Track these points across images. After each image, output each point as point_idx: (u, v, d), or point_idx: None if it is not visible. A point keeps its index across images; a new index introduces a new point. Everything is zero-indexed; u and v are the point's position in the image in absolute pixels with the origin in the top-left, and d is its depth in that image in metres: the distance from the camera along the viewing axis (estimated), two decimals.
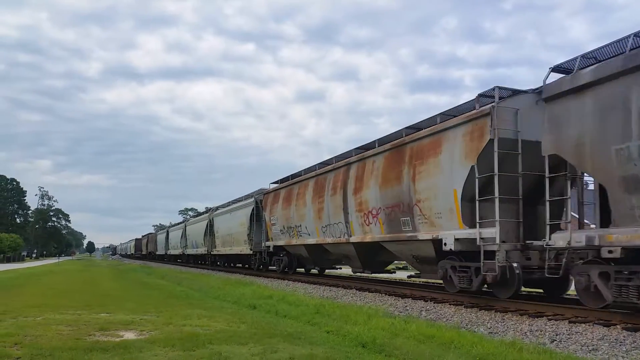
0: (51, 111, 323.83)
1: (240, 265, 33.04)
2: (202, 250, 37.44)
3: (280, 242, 21.94)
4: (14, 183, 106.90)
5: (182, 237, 46.40)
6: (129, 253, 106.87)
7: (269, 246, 23.38)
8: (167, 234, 56.82)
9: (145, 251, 76.94)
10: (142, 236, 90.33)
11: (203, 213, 40.71)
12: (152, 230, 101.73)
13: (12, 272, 32.40)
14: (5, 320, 9.28)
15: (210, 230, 34.72)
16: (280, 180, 22.98)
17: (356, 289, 15.62)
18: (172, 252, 52.94)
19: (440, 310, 10.94)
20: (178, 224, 57.11)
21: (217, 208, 34.96)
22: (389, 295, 13.84)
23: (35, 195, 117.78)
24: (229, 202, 32.40)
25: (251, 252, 25.74)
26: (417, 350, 6.79)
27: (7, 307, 11.20)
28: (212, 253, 34.57)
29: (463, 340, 7.31)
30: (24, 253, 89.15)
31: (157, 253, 63.66)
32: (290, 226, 20.54)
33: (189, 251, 43.23)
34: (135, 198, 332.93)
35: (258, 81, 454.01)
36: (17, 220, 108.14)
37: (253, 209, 25.43)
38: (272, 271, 24.77)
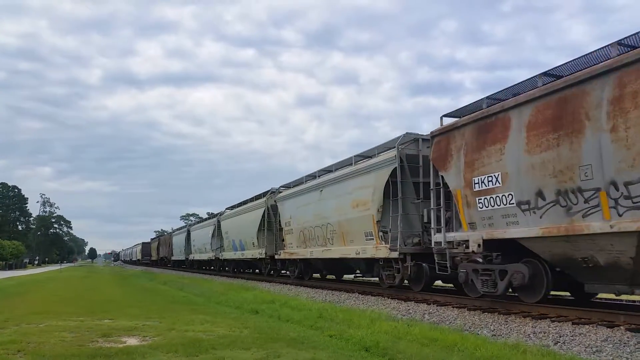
0: (52, 118, 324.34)
1: (349, 276, 21.53)
2: (254, 253, 25.82)
3: (523, 232, 9.57)
4: (16, 190, 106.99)
5: (213, 236, 35.15)
6: (134, 259, 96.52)
7: (463, 242, 11.16)
8: (189, 234, 45.29)
9: (156, 256, 66.64)
10: (152, 239, 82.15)
11: (256, 198, 27.09)
12: (153, 236, 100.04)
13: (14, 279, 32.38)
14: (8, 327, 9.28)
15: (267, 223, 24.30)
16: (491, 97, 10.90)
17: (359, 293, 15.58)
18: (197, 256, 41.30)
19: (443, 313, 10.92)
20: (203, 220, 45.76)
21: (279, 189, 23.82)
22: (391, 298, 13.82)
23: (37, 202, 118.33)
24: (308, 175, 20.42)
25: (396, 256, 13.65)
26: (421, 354, 6.78)
27: (10, 314, 11.20)
28: (276, 257, 23.21)
29: (466, 343, 7.30)
30: (26, 260, 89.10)
31: (174, 258, 52.53)
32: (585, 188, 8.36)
33: (228, 255, 31.74)
34: (136, 204, 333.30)
35: (258, 86, 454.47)
36: (19, 227, 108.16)
37: (394, 171, 13.77)
38: (472, 298, 11.95)
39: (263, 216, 24.68)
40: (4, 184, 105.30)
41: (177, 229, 59.30)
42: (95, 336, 8.22)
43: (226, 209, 33.78)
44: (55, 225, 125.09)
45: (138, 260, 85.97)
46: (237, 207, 30.89)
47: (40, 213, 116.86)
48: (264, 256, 24.52)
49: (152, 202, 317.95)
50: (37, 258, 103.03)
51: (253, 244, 25.86)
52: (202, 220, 44.98)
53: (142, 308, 12.98)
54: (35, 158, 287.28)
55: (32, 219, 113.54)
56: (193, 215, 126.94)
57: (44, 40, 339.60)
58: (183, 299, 16.26)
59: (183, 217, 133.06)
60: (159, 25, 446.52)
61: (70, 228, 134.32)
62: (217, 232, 34.20)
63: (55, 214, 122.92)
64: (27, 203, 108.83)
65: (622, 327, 8.04)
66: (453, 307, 11.50)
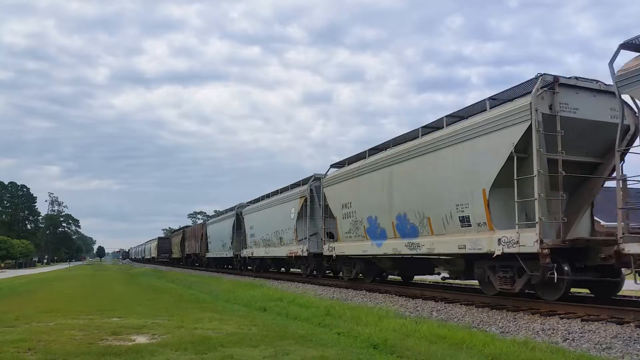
0: (59, 117, 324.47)
1: None
2: (454, 242, 11.24)
3: None
4: (25, 189, 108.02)
5: (300, 218, 21.23)
6: (147, 257, 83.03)
7: None
8: (238, 220, 31.20)
9: (179, 253, 53.45)
10: (174, 232, 71.42)
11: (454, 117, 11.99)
12: (161, 234, 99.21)
13: (24, 278, 32.66)
14: (19, 325, 9.36)
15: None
16: None
17: (366, 290, 15.58)
18: (259, 252, 26.96)
19: (451, 311, 10.90)
20: (264, 197, 27.18)
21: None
22: (399, 295, 13.81)
23: (45, 201, 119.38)
24: None
25: None
26: (429, 351, 6.77)
27: (20, 313, 11.29)
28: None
29: (475, 340, 7.28)
30: (35, 259, 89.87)
31: (210, 255, 38.95)
32: None
33: (347, 248, 16.87)
34: (144, 202, 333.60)
35: (264, 84, 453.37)
36: (28, 226, 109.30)
37: None
38: None
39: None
40: (13, 184, 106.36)
41: (216, 215, 43.56)
42: (104, 334, 8.27)
43: (331, 166, 18.85)
44: (64, 224, 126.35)
45: (153, 258, 72.98)
46: (372, 155, 15.62)
47: (49, 212, 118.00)
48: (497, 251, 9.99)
49: (159, 201, 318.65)
50: (46, 257, 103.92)
51: (454, 221, 11.40)
52: (261, 198, 27.60)
53: (150, 306, 13.05)
54: (43, 157, 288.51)
55: (40, 217, 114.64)
56: (200, 213, 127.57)
57: (51, 39, 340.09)
58: (191, 297, 16.33)
59: (190, 215, 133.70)
60: (165, 23, 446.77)
61: (79, 227, 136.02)
62: (310, 211, 20.61)
63: (63, 213, 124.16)
64: (35, 202, 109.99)
65: (632, 324, 7.99)
66: (461, 305, 11.47)
